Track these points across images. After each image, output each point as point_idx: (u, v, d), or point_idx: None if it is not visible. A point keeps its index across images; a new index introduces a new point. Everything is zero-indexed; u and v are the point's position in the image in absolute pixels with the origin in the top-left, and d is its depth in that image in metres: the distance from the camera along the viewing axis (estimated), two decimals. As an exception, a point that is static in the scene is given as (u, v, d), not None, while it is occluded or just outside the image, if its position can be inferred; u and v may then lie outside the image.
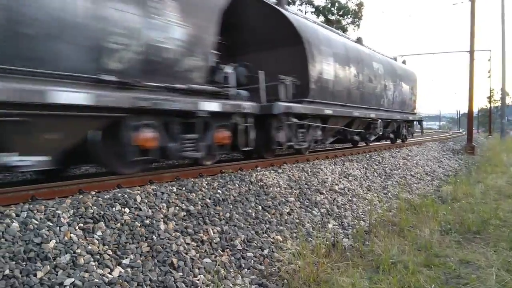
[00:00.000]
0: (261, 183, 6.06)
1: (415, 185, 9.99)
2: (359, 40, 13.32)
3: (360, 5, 28.21)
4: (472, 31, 18.40)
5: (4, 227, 3.26)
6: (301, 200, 6.21)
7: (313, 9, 27.29)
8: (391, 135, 14.83)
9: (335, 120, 10.07)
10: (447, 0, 65.73)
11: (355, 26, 28.38)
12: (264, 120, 7.65)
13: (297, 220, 5.55)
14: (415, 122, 17.79)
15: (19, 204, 3.74)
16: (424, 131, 25.14)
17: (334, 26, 15.42)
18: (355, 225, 6.12)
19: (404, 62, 17.65)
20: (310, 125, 8.92)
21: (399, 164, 11.31)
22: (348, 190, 7.48)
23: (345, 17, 28.12)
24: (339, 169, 8.49)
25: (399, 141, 15.64)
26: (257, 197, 5.63)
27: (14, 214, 3.46)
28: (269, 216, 5.31)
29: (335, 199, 6.82)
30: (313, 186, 6.86)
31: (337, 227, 5.89)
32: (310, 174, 7.37)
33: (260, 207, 5.42)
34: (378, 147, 13.00)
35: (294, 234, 5.15)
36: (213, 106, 6.13)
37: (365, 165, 9.71)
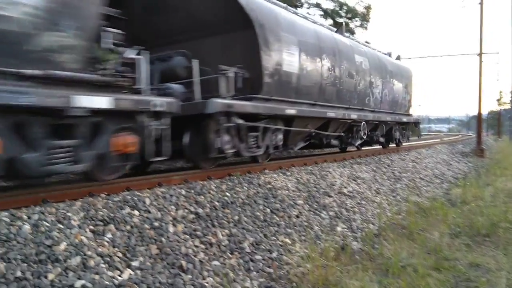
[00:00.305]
0: (269, 186, 6.06)
1: (424, 188, 9.93)
2: (338, 29, 11.33)
3: (368, 8, 28.19)
4: (481, 34, 18.38)
5: (16, 229, 3.30)
6: (310, 203, 6.20)
7: (322, 12, 27.34)
8: (381, 139, 12.82)
9: (303, 121, 8.39)
10: (456, 2, 65.48)
11: (363, 29, 28.41)
12: (200, 121, 6.25)
13: (306, 223, 5.54)
14: (411, 124, 15.80)
15: (30, 206, 3.78)
16: (433, 133, 24.72)
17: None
18: (364, 228, 6.10)
19: (398, 57, 15.74)
20: (267, 128, 7.32)
21: (408, 167, 11.25)
22: (357, 193, 7.46)
23: (353, 20, 28.09)
24: (348, 172, 8.47)
25: (392, 145, 13.97)
26: (265, 200, 5.63)
27: (25, 217, 3.50)
28: (278, 219, 5.31)
29: (343, 202, 6.80)
30: (321, 189, 6.84)
31: (346, 230, 5.88)
32: (318, 177, 7.36)
33: (268, 210, 5.42)
34: (388, 150, 12.90)
35: (303, 237, 5.15)
36: (99, 102, 4.47)
37: (374, 168, 9.67)
